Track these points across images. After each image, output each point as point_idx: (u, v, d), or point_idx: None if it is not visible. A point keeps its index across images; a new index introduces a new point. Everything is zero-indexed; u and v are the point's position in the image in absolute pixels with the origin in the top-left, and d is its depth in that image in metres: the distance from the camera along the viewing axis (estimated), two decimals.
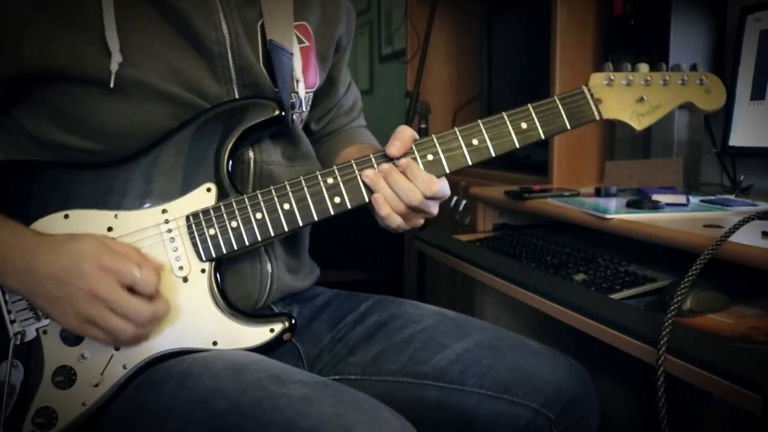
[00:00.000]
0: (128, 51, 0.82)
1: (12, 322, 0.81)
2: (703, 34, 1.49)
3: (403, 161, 0.85)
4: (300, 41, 0.97)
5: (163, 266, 0.83)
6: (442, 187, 0.86)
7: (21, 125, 0.87)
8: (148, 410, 0.77)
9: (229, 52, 0.88)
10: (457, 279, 1.92)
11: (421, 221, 0.89)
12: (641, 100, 0.92)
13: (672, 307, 0.80)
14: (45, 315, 0.80)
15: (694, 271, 0.82)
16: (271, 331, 0.84)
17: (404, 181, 0.84)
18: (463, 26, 2.27)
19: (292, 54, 0.95)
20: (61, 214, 0.82)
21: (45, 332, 0.81)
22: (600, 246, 1.22)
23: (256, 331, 0.84)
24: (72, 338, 0.81)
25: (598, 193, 1.38)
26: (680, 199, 1.20)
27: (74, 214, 0.83)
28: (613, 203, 1.25)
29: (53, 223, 0.82)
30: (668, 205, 1.18)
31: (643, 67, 0.93)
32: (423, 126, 2.00)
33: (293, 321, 0.85)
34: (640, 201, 1.19)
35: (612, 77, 0.91)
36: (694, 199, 1.25)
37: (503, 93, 2.07)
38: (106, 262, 0.76)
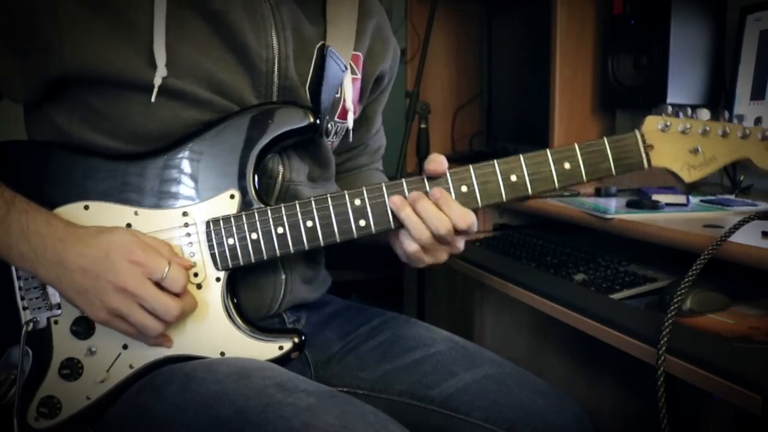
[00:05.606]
0: (173, 63, 0.80)
1: (24, 309, 0.82)
2: (703, 34, 1.49)
3: (435, 191, 0.82)
4: (353, 71, 0.96)
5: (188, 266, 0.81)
6: (475, 221, 0.82)
7: (52, 120, 0.86)
8: (150, 413, 0.77)
9: (275, 71, 0.86)
10: (456, 279, 1.92)
11: (446, 256, 0.86)
12: (695, 151, 0.86)
13: (672, 307, 0.80)
14: (75, 306, 0.79)
15: (694, 271, 0.82)
16: (280, 348, 0.83)
17: (434, 210, 0.81)
18: (463, 26, 2.26)
19: (346, 68, 0.93)
20: (81, 204, 0.82)
21: (56, 322, 0.81)
22: (600, 246, 1.22)
23: (264, 346, 0.83)
24: (82, 332, 0.81)
25: (598, 193, 1.38)
26: (680, 199, 1.20)
27: (94, 206, 0.82)
28: (613, 203, 1.25)
29: (73, 213, 0.81)
30: (668, 205, 1.18)
31: (704, 114, 0.86)
32: (423, 126, 1.99)
33: (303, 338, 0.84)
34: (640, 201, 1.18)
35: (668, 123, 0.85)
36: (694, 199, 1.25)
37: (503, 93, 2.06)
38: (136, 256, 0.76)
